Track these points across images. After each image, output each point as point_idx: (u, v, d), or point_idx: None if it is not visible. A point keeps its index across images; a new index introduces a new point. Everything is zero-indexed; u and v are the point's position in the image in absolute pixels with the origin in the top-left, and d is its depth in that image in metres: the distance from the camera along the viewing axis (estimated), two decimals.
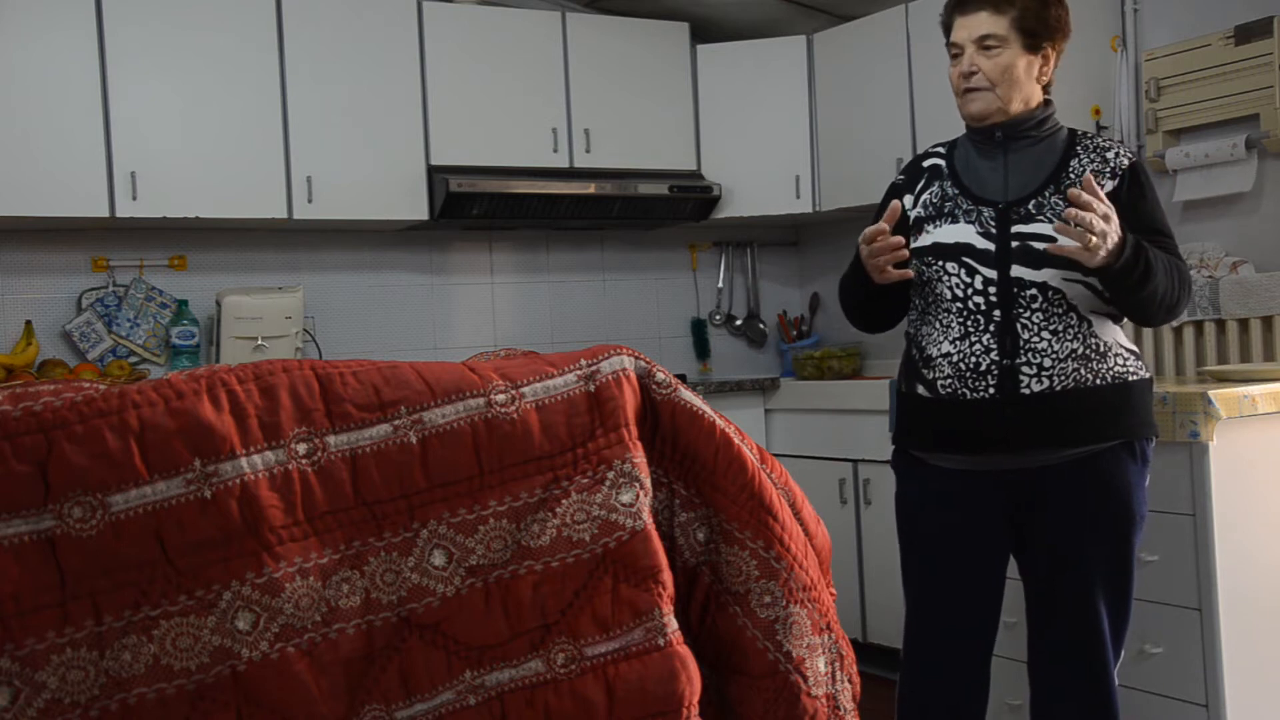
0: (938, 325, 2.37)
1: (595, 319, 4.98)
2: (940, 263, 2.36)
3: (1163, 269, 2.23)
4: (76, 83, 3.77)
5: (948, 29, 2.44)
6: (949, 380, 2.32)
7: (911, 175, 2.52)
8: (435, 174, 4.30)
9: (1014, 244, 2.29)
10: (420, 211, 4.30)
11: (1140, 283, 2.19)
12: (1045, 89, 2.44)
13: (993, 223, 2.32)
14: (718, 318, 5.19)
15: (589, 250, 5.03)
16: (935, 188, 2.44)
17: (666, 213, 4.72)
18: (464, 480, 1.58)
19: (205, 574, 1.43)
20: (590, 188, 4.52)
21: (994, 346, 2.29)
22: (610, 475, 1.64)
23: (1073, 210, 2.13)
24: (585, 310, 4.97)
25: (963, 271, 2.32)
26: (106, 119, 3.81)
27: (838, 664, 1.81)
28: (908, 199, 2.47)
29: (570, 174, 4.53)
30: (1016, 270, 2.28)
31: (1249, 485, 2.79)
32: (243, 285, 4.27)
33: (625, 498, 1.63)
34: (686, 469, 1.73)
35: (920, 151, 2.61)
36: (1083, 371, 2.28)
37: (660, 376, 1.74)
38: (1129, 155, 2.37)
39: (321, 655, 1.47)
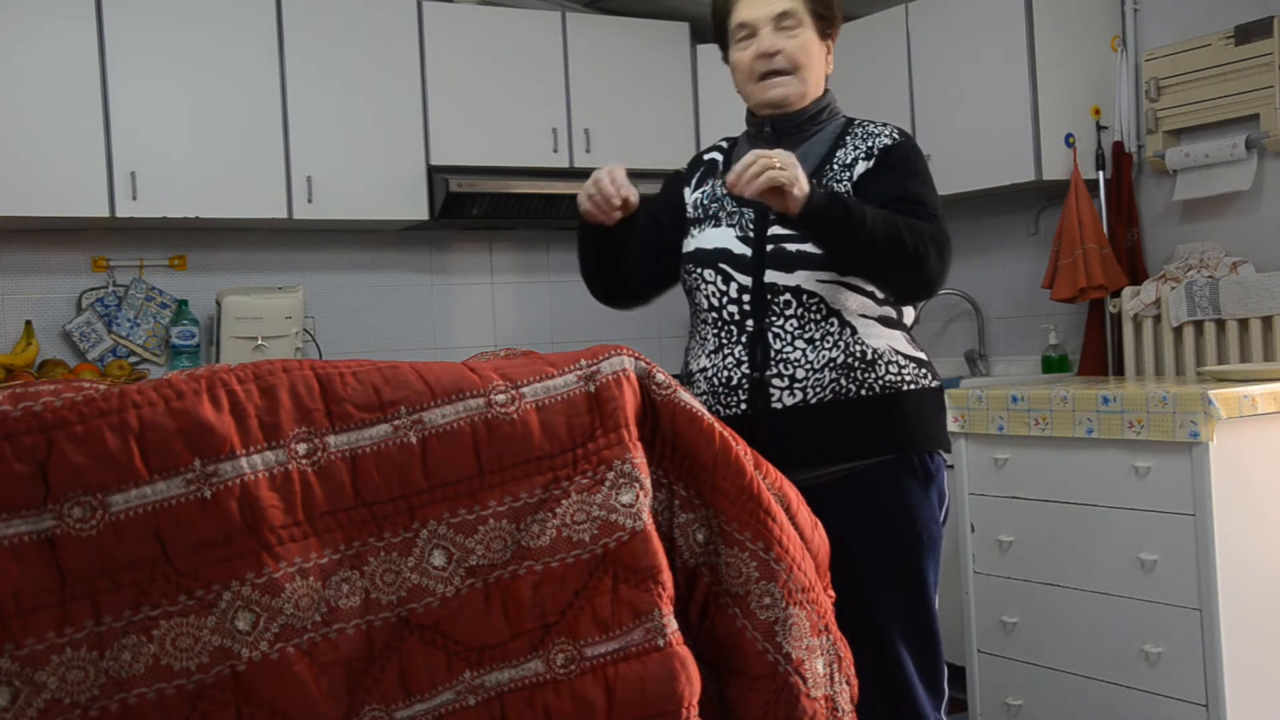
0: (698, 338, 2.23)
1: (595, 319, 4.98)
2: (699, 270, 2.20)
3: (880, 217, 1.97)
4: (76, 82, 3.77)
5: (725, 12, 2.22)
6: (704, 397, 2.14)
7: (692, 167, 2.35)
8: (435, 174, 4.30)
9: (769, 247, 2.11)
10: (420, 211, 4.30)
11: (842, 224, 1.93)
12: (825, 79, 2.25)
13: (751, 226, 2.14)
14: None
15: None
16: (707, 186, 2.27)
17: None
18: (464, 480, 1.58)
19: (205, 574, 1.43)
20: None
21: (745, 359, 2.11)
22: (610, 476, 1.64)
23: (736, 167, 1.90)
24: (585, 310, 4.95)
25: (719, 279, 2.15)
26: (106, 119, 3.82)
27: (836, 666, 1.81)
28: (685, 192, 2.32)
29: (570, 174, 4.54)
30: (770, 275, 2.10)
31: (1249, 485, 2.78)
32: (243, 285, 4.27)
33: (625, 498, 1.63)
34: (686, 470, 1.73)
35: (715, 142, 2.41)
36: (843, 382, 2.08)
37: (660, 377, 1.73)
38: (893, 136, 2.16)
39: (321, 655, 1.47)
